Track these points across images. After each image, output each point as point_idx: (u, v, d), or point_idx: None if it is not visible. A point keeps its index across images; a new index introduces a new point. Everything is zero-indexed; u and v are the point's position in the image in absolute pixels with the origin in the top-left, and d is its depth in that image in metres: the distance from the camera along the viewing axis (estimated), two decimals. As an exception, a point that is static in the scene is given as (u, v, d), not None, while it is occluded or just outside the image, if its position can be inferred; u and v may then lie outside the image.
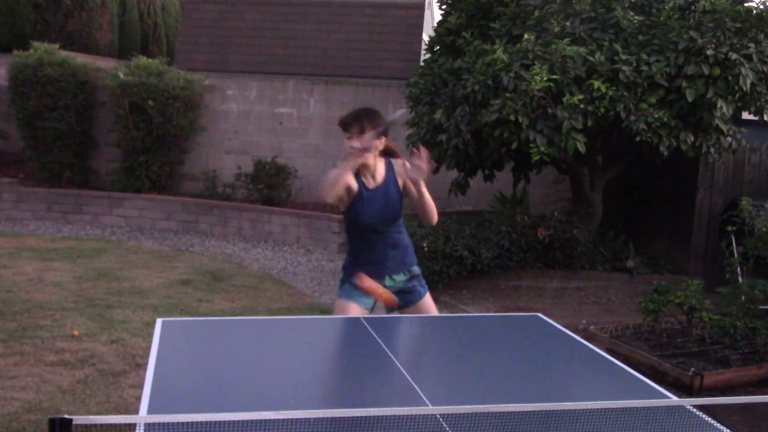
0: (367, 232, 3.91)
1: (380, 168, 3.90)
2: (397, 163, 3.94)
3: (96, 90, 11.49)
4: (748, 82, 6.87)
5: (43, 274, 7.56)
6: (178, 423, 2.08)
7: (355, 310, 3.86)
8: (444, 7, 8.84)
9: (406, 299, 3.98)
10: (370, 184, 3.88)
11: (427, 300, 4.03)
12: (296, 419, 2.14)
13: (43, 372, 4.90)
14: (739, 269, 6.58)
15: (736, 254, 6.86)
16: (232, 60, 12.57)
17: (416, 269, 4.04)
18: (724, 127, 7.21)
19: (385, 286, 3.90)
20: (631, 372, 2.90)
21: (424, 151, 3.66)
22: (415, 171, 3.69)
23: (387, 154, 3.96)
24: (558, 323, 3.60)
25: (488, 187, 9.34)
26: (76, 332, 5.70)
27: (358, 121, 3.77)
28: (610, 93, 6.87)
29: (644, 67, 6.95)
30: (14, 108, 11.18)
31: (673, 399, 2.65)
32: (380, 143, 3.83)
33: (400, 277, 3.96)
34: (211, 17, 12.98)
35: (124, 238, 10.08)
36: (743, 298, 6.22)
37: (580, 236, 7.93)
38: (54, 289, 7.04)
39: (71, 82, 11.09)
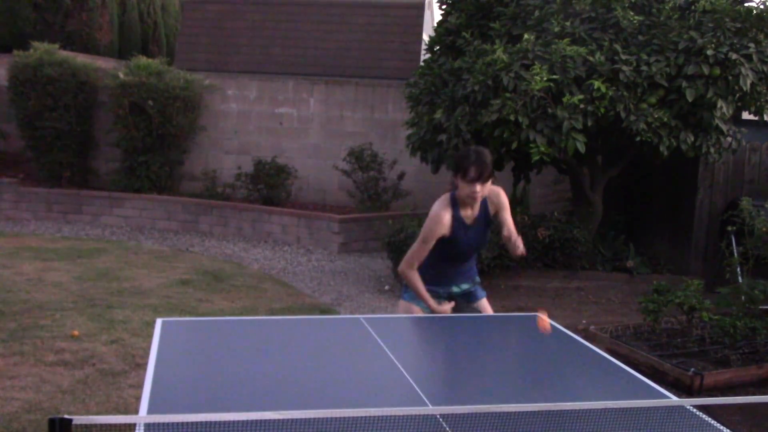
0: (451, 260, 4.02)
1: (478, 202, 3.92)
2: (492, 192, 3.93)
3: (96, 90, 11.49)
4: (748, 82, 6.87)
5: (43, 274, 7.56)
6: (177, 423, 2.09)
7: (418, 313, 4.01)
8: (444, 7, 8.83)
9: (468, 299, 4.18)
10: (469, 217, 3.91)
11: (484, 303, 4.22)
12: (296, 419, 2.14)
13: (43, 372, 4.90)
14: (739, 269, 6.58)
15: (736, 254, 6.86)
16: (232, 60, 12.57)
17: (478, 278, 4.27)
18: (724, 127, 7.21)
19: (451, 292, 4.11)
20: (631, 372, 2.90)
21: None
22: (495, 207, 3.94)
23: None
24: (558, 323, 3.61)
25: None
26: (75, 332, 5.70)
27: (483, 167, 3.74)
28: (610, 93, 6.87)
29: (644, 67, 6.95)
30: (14, 108, 11.18)
31: (673, 399, 2.65)
32: (489, 185, 3.84)
33: (465, 286, 4.16)
34: (211, 17, 12.99)
35: (124, 238, 10.07)
36: (743, 298, 6.22)
37: (580, 236, 7.93)
38: (54, 289, 7.04)
39: (71, 82, 11.09)
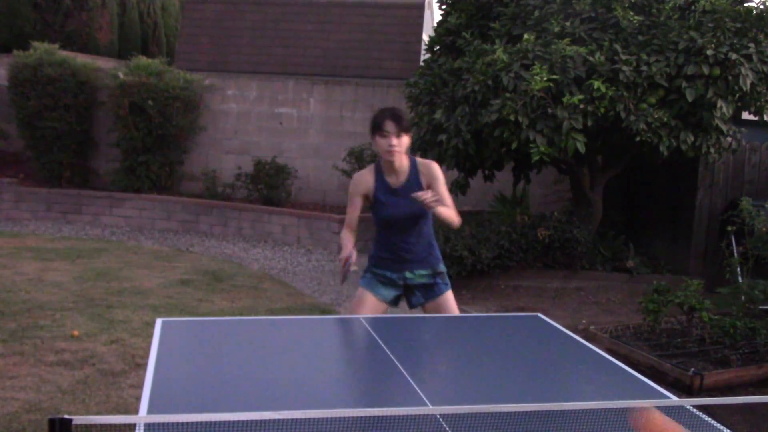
0: (389, 228, 4.01)
1: (405, 166, 3.95)
2: (422, 163, 3.98)
3: (96, 90, 11.49)
4: (748, 82, 6.87)
5: (43, 274, 7.56)
6: (177, 423, 2.08)
7: (371, 300, 4.02)
8: (444, 7, 8.83)
9: (427, 294, 4.08)
10: (395, 183, 3.95)
11: (448, 296, 4.10)
12: (296, 419, 2.14)
13: (43, 372, 4.90)
14: (739, 269, 6.58)
15: (736, 254, 6.86)
16: (232, 60, 12.57)
17: (441, 267, 4.13)
18: (724, 127, 7.21)
19: (405, 279, 4.03)
20: (631, 372, 2.90)
21: (421, 195, 3.72)
22: (427, 179, 3.89)
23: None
24: (558, 323, 3.61)
25: (488, 187, 9.34)
26: (75, 332, 5.70)
27: (398, 120, 3.82)
28: (610, 93, 6.87)
29: (644, 67, 6.95)
30: (14, 108, 11.19)
31: (673, 399, 2.64)
32: (407, 141, 3.90)
33: (421, 272, 4.06)
34: (211, 17, 12.98)
35: (124, 238, 10.08)
36: (743, 298, 6.22)
37: (580, 236, 7.93)
38: (54, 289, 7.04)
39: (71, 82, 11.09)
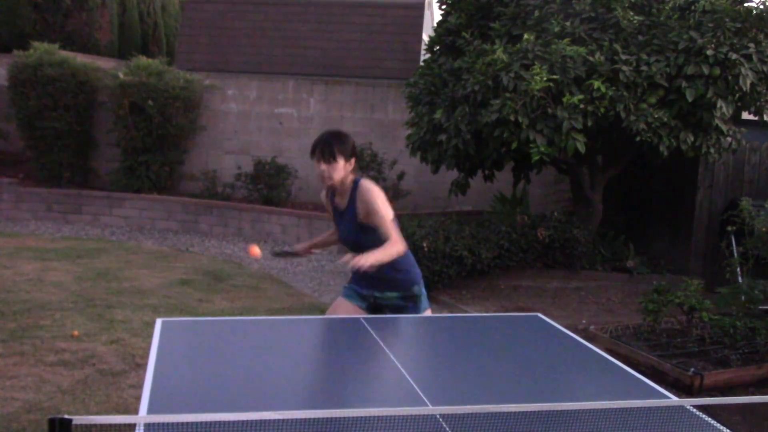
0: (346, 246, 3.96)
1: (347, 188, 3.81)
2: (361, 189, 3.77)
3: (96, 90, 11.49)
4: (748, 82, 6.87)
5: (43, 274, 7.56)
6: (177, 423, 2.09)
7: (346, 305, 3.91)
8: (444, 7, 8.83)
9: (396, 313, 3.94)
10: (340, 205, 3.88)
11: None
12: (296, 419, 2.14)
13: (43, 372, 4.90)
14: (738, 269, 6.58)
15: (736, 254, 6.86)
16: (232, 60, 12.57)
17: (415, 290, 3.93)
18: (724, 127, 7.22)
19: (375, 297, 3.91)
20: (631, 372, 2.90)
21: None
22: (364, 209, 3.73)
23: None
24: (558, 323, 3.61)
25: (488, 187, 9.34)
26: (75, 332, 5.70)
27: (324, 149, 3.70)
28: (610, 93, 6.87)
29: (644, 67, 6.95)
30: (14, 108, 11.18)
31: (673, 399, 2.65)
32: (343, 164, 3.73)
33: (390, 294, 3.91)
34: (211, 17, 12.98)
35: (124, 238, 10.08)
36: (743, 298, 6.22)
37: (580, 236, 7.93)
38: (54, 289, 7.04)
39: (71, 82, 11.09)
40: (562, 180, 9.95)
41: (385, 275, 3.79)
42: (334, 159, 3.69)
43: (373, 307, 3.96)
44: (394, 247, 3.64)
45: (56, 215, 10.92)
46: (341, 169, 3.72)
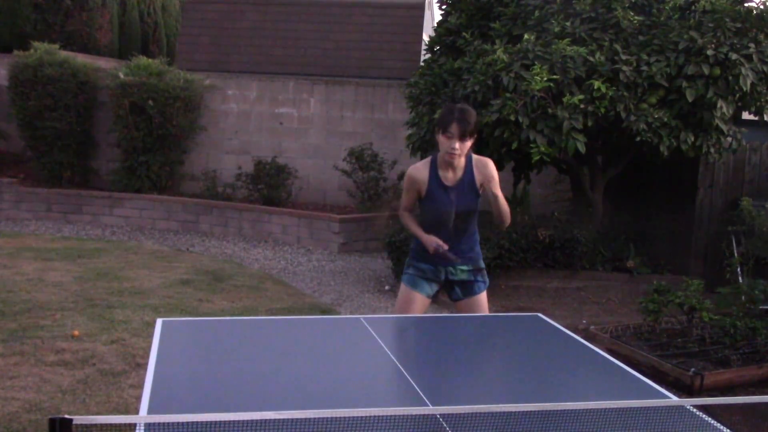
0: (436, 223, 4.00)
1: (462, 163, 3.95)
2: (478, 159, 3.99)
3: (96, 90, 11.49)
4: (748, 82, 6.87)
5: (44, 274, 7.56)
6: (178, 423, 2.09)
7: (417, 298, 4.04)
8: (444, 7, 8.84)
9: (465, 291, 4.10)
10: (449, 180, 3.96)
11: (483, 297, 4.13)
12: (296, 419, 2.14)
13: (44, 372, 4.90)
14: (739, 269, 6.58)
15: (736, 254, 6.86)
16: (232, 60, 12.58)
17: (481, 263, 4.15)
18: (724, 127, 7.21)
19: (448, 273, 4.06)
20: (631, 372, 2.90)
21: (485, 160, 3.88)
22: (482, 178, 3.90)
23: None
24: (558, 323, 3.61)
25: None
26: (76, 332, 5.71)
27: (464, 124, 3.79)
28: (610, 93, 6.87)
29: (644, 67, 6.95)
30: (14, 108, 11.18)
31: (674, 399, 2.65)
32: (469, 144, 3.88)
33: (462, 268, 4.08)
34: (211, 17, 12.99)
35: (125, 238, 10.08)
36: (743, 298, 6.22)
37: (580, 236, 7.93)
38: (54, 289, 7.04)
39: (71, 82, 11.09)
40: (563, 180, 9.95)
41: (464, 250, 4.05)
42: (471, 137, 3.83)
43: (444, 285, 4.12)
44: (508, 214, 3.98)
45: (57, 215, 10.93)
46: (469, 146, 3.88)
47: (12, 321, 5.95)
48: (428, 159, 4.04)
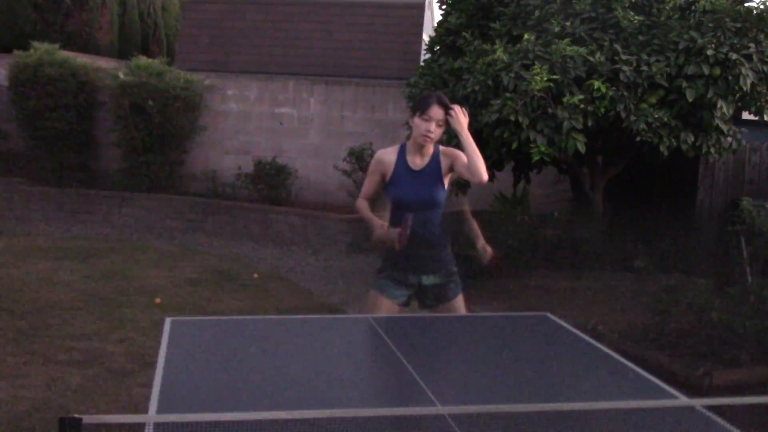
0: (401, 211, 3.90)
1: (430, 150, 3.97)
2: (447, 149, 4.01)
3: (96, 90, 11.47)
4: (749, 82, 6.89)
5: (53, 274, 7.57)
6: (187, 422, 2.10)
7: (384, 303, 3.95)
8: (444, 7, 8.84)
9: (439, 296, 4.04)
10: (416, 165, 3.96)
11: (459, 301, 4.08)
12: (306, 419, 2.16)
13: (53, 371, 4.92)
14: (748, 269, 6.56)
15: (745, 254, 6.85)
16: (232, 60, 12.58)
17: (453, 267, 4.10)
18: (724, 127, 7.23)
19: (421, 282, 3.99)
20: (640, 372, 2.91)
21: (457, 108, 3.85)
22: (453, 122, 3.85)
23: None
24: (566, 323, 3.62)
25: (488, 187, 9.32)
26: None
27: (444, 109, 3.84)
28: (610, 93, 6.89)
29: (644, 67, 6.97)
30: (15, 108, 11.17)
31: (683, 399, 2.65)
32: (440, 133, 3.92)
33: (434, 278, 4.02)
34: (211, 17, 12.99)
35: (133, 237, 10.07)
36: (752, 298, 6.21)
37: (587, 236, 7.89)
38: (63, 288, 7.05)
39: (71, 82, 11.08)
40: (563, 180, 9.96)
41: (437, 253, 3.98)
42: (447, 124, 3.88)
43: (416, 294, 4.05)
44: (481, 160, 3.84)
45: (65, 215, 10.89)
46: (440, 135, 3.93)
47: (22, 320, 5.97)
48: (398, 145, 4.07)
